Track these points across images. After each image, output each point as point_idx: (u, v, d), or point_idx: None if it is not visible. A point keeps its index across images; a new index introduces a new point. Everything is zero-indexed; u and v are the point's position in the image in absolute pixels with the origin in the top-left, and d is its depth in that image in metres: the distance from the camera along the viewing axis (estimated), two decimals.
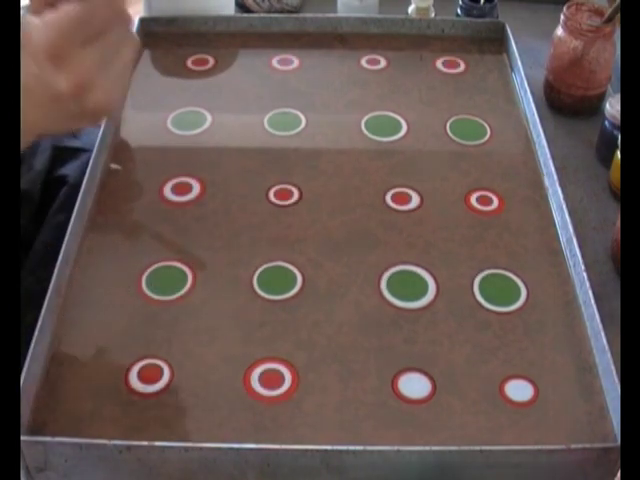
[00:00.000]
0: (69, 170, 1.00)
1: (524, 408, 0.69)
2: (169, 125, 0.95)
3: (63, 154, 1.03)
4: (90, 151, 0.88)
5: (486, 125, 0.96)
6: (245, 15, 1.14)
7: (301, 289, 0.77)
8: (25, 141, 0.62)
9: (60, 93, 0.59)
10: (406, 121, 0.96)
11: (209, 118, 0.96)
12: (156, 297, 0.77)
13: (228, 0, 1.13)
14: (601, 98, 1.04)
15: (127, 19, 0.63)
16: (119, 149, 0.92)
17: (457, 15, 1.12)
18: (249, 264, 0.80)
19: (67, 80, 0.59)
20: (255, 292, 0.77)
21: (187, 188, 0.87)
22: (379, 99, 0.99)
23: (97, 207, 0.85)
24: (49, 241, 0.90)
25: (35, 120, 0.62)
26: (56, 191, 0.99)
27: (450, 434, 0.67)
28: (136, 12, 1.05)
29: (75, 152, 1.03)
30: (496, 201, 0.87)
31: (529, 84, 0.98)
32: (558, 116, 1.05)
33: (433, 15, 1.13)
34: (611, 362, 0.68)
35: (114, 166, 0.89)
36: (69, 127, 0.69)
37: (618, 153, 0.91)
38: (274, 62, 1.04)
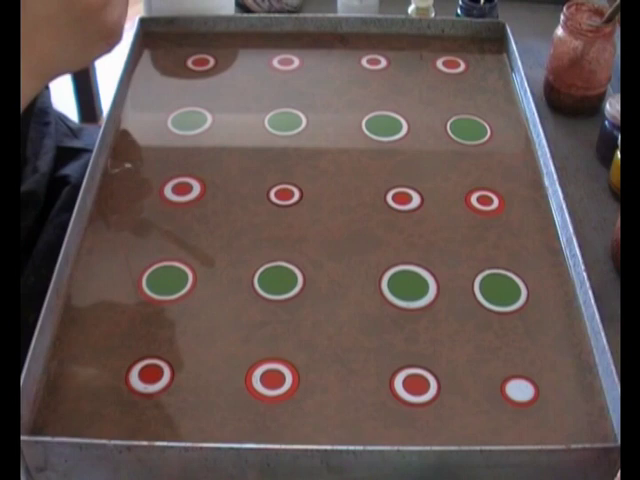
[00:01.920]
0: (71, 170, 1.01)
1: (524, 408, 0.69)
2: (169, 125, 0.95)
3: (66, 155, 1.03)
4: (92, 151, 0.88)
5: (486, 125, 0.96)
6: (245, 15, 1.14)
7: (302, 289, 0.77)
8: (41, 80, 0.63)
9: (84, 6, 0.62)
10: (406, 121, 0.96)
11: (209, 118, 0.96)
12: (157, 297, 0.77)
13: (228, 0, 1.13)
14: (601, 98, 1.04)
15: None
16: (119, 149, 0.92)
17: (457, 15, 1.12)
18: (250, 264, 0.80)
19: None
20: (256, 292, 0.77)
21: (187, 188, 0.87)
22: (379, 99, 0.99)
23: (97, 207, 0.85)
24: (52, 241, 0.90)
25: (52, 50, 0.62)
26: (59, 191, 0.99)
27: (451, 434, 0.67)
28: (136, 12, 1.05)
29: (77, 152, 1.04)
30: (496, 201, 0.87)
31: (529, 84, 0.98)
32: (558, 116, 1.05)
33: (433, 15, 1.13)
34: (611, 362, 0.68)
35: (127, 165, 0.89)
36: (85, 56, 0.69)
37: (618, 153, 0.91)
38: (274, 62, 1.04)
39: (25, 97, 0.65)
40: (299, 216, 0.85)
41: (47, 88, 1.07)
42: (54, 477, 0.65)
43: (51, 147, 1.01)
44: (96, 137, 0.89)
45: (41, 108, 1.03)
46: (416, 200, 0.86)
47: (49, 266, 0.75)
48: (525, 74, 0.99)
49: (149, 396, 0.69)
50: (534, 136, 0.93)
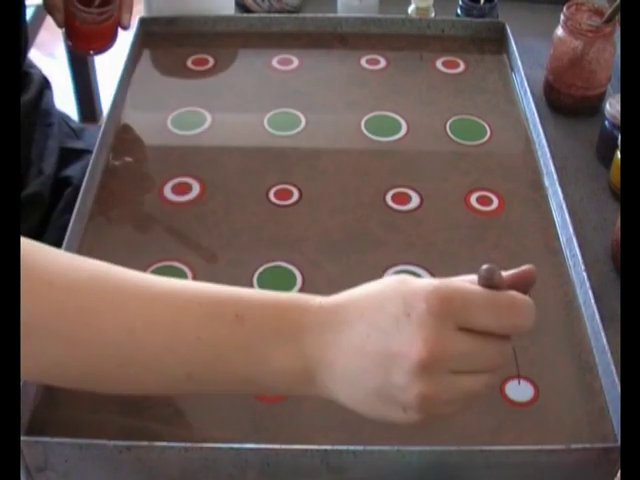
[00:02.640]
0: (74, 172, 1.01)
1: (524, 408, 0.69)
2: (169, 125, 0.95)
3: (68, 155, 1.03)
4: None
5: (486, 125, 0.96)
6: (245, 15, 1.14)
7: (301, 289, 0.77)
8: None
9: (399, 403, 0.53)
10: (406, 121, 0.96)
11: (209, 118, 0.96)
12: None
13: (228, 0, 1.13)
14: (601, 98, 1.04)
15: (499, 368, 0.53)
16: (119, 149, 0.92)
17: (457, 15, 1.12)
18: (249, 264, 0.80)
19: (416, 397, 0.51)
20: None
21: (187, 188, 0.87)
22: (379, 99, 0.99)
23: (97, 207, 0.85)
24: (55, 242, 0.90)
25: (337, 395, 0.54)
26: (62, 192, 0.99)
27: (451, 434, 0.67)
28: (136, 12, 1.05)
29: (80, 153, 1.04)
30: (496, 201, 0.87)
31: (529, 84, 0.98)
32: (558, 116, 1.05)
33: (433, 15, 1.13)
34: (611, 362, 0.68)
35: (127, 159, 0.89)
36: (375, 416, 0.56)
37: (618, 153, 0.91)
38: (274, 62, 1.04)
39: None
40: (298, 216, 0.85)
41: (50, 89, 1.07)
42: (54, 477, 0.64)
43: (55, 148, 1.01)
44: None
45: (45, 109, 1.03)
46: (415, 200, 0.86)
47: None
48: (525, 74, 0.99)
49: (149, 396, 0.69)
50: (534, 136, 0.93)
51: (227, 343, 0.54)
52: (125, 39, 1.04)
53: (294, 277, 0.78)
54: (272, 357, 0.54)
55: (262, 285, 0.77)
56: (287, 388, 0.56)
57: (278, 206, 0.86)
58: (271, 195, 0.86)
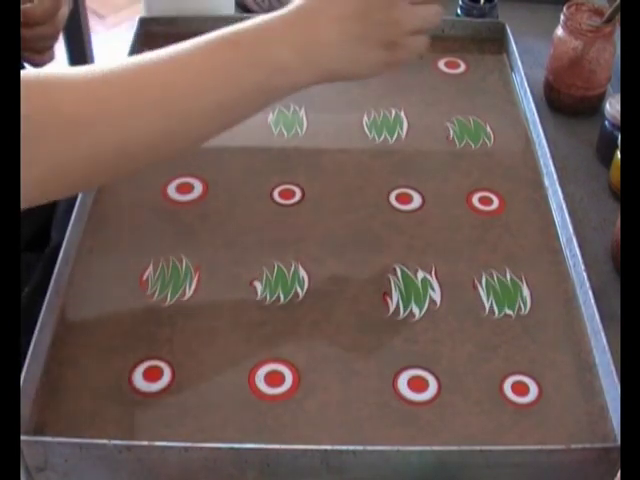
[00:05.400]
0: None
1: (525, 408, 0.69)
2: None
3: None
4: None
5: (486, 125, 0.96)
6: (245, 15, 1.14)
7: (303, 289, 0.77)
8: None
9: (378, 39, 0.70)
10: (407, 121, 0.96)
11: None
12: (158, 297, 0.77)
13: (228, 0, 1.13)
14: (601, 98, 1.04)
15: None
16: None
17: (457, 15, 1.12)
18: (251, 263, 0.80)
19: (395, 22, 0.70)
20: (257, 291, 0.77)
21: (189, 188, 0.87)
22: (380, 99, 0.99)
23: (98, 206, 0.85)
24: (55, 242, 0.90)
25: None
26: None
27: (452, 434, 0.67)
28: (136, 12, 1.05)
29: None
30: (497, 201, 0.87)
31: (529, 84, 0.98)
32: (558, 116, 1.05)
33: None
34: (611, 362, 0.68)
35: None
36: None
37: (618, 153, 0.91)
38: None
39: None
40: (301, 216, 0.85)
41: None
42: (54, 477, 0.65)
43: None
44: None
45: None
46: (417, 200, 0.86)
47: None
48: (525, 74, 0.99)
49: (150, 396, 0.69)
50: (534, 136, 0.93)
51: (237, 62, 0.70)
52: (125, 39, 1.04)
53: (298, 276, 0.78)
54: (272, 53, 0.70)
55: (266, 285, 0.77)
56: (290, 80, 0.71)
57: (281, 205, 0.85)
58: (274, 195, 0.86)
